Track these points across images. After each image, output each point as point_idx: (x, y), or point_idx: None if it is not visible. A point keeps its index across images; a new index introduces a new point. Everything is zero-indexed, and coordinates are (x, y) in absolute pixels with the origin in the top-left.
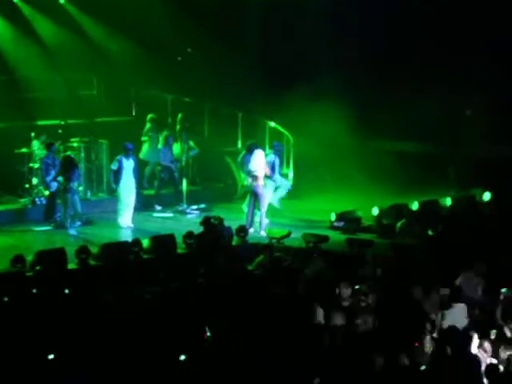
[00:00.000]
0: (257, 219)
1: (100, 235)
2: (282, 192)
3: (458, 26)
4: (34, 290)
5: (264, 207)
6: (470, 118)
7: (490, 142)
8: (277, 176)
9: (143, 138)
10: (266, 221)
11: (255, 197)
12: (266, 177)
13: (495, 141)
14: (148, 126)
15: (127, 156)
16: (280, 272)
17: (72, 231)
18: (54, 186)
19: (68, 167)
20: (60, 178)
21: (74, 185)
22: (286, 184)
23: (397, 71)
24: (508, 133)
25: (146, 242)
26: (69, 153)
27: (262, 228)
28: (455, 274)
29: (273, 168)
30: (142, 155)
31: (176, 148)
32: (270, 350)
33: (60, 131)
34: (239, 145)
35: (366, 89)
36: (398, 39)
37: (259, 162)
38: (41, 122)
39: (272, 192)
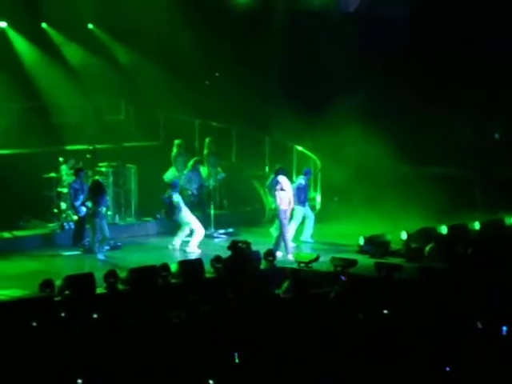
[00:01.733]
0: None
1: (128, 260)
2: (311, 224)
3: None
4: (63, 315)
5: (287, 231)
6: (497, 141)
7: None
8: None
9: (172, 160)
10: (292, 245)
11: (279, 221)
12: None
13: None
14: (175, 150)
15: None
16: (307, 296)
17: (100, 256)
18: (83, 211)
19: (96, 192)
20: (88, 203)
21: (103, 209)
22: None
23: (423, 95)
24: None
25: (174, 267)
26: (97, 177)
27: (288, 252)
28: (484, 298)
29: (305, 193)
30: (165, 178)
31: (203, 172)
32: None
33: (88, 156)
34: (267, 169)
35: (393, 113)
36: (421, 60)
37: (281, 187)
38: (69, 147)
39: (300, 218)
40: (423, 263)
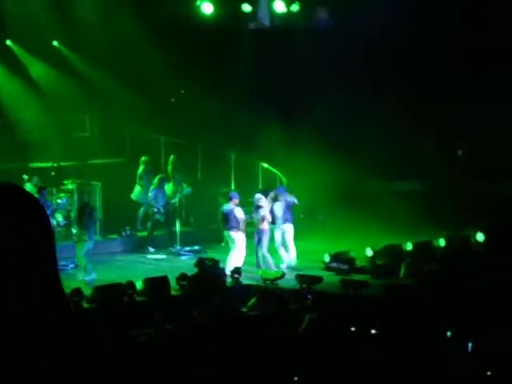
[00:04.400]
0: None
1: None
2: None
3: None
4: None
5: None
6: (461, 157)
7: (482, 180)
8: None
9: (138, 177)
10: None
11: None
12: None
13: (487, 179)
14: (141, 168)
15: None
16: (281, 314)
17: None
18: None
19: (85, 214)
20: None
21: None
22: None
23: (389, 110)
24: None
25: (139, 284)
26: (61, 195)
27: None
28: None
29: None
30: (133, 196)
31: (168, 189)
32: None
33: (53, 173)
34: (232, 186)
35: (359, 126)
36: (389, 72)
37: (260, 207)
38: (33, 165)
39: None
40: (388, 280)
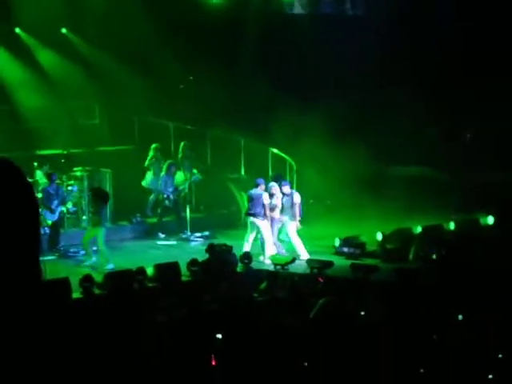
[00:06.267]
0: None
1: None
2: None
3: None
4: None
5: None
6: (470, 142)
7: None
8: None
9: (146, 164)
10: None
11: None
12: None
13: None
14: (151, 154)
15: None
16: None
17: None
18: (57, 215)
19: (100, 198)
20: (63, 207)
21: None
22: None
23: (398, 95)
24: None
25: (150, 271)
26: (71, 182)
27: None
28: (459, 298)
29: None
30: (144, 183)
31: (179, 176)
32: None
33: (63, 161)
34: (242, 171)
35: (367, 112)
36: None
37: (272, 195)
38: (43, 152)
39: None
40: (399, 264)
